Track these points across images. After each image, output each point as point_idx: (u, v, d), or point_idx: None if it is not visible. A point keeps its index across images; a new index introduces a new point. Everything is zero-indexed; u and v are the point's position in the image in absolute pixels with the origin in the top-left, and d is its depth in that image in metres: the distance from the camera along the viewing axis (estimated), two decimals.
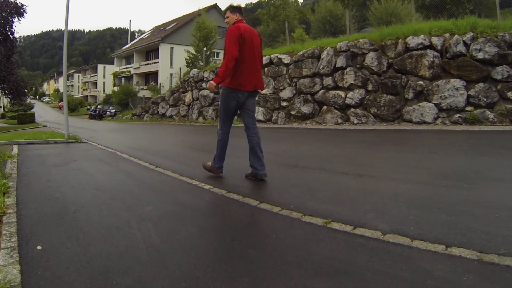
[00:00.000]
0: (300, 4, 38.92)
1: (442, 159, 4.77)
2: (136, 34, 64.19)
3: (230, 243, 2.42)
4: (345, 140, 7.40)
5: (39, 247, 2.31)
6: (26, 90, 26.31)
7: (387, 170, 4.25)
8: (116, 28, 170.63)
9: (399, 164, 4.62)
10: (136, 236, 2.50)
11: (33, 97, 79.27)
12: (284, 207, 2.99)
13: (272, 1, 32.35)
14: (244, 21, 4.08)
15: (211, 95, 15.88)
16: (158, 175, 4.69)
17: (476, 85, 8.06)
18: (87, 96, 63.36)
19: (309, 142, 7.73)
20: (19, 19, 23.52)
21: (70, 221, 2.83)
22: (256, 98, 12.45)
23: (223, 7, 35.69)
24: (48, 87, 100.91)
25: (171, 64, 34.06)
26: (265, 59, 13.01)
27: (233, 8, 4.07)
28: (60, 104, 57.21)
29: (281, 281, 1.84)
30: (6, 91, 23.55)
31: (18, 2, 23.33)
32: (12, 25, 23.26)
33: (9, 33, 23.20)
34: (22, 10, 23.39)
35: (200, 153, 6.61)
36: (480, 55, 8.08)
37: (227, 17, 4.08)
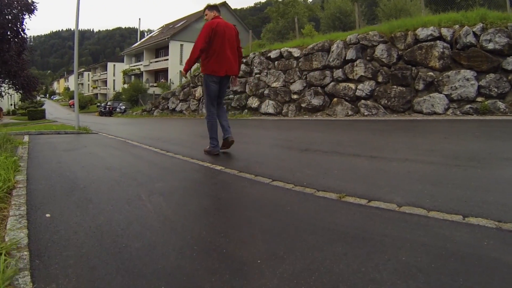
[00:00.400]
0: (309, 2, 38.73)
1: (454, 143, 4.70)
2: (145, 33, 64.47)
3: (244, 213, 2.40)
4: (356, 129, 7.31)
5: (47, 215, 2.30)
6: (37, 87, 26.50)
7: (399, 152, 4.19)
8: (125, 27, 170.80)
9: (411, 147, 4.56)
10: (146, 207, 2.47)
11: (43, 96, 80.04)
12: (297, 184, 2.95)
13: None
14: (220, 17, 4.69)
15: None
16: (169, 158, 4.67)
17: (487, 75, 7.92)
18: (97, 94, 63.86)
19: (319, 130, 7.68)
20: (29, 16, 23.64)
21: (80, 194, 2.82)
22: (267, 92, 12.62)
23: (231, 4, 35.80)
24: (58, 86, 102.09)
25: (181, 61, 34.14)
26: (275, 53, 13.04)
27: (210, 7, 4.76)
28: (70, 102, 57.73)
29: (297, 245, 1.80)
30: (17, 86, 23.72)
31: None
32: (23, 21, 23.42)
33: (20, 29, 23.36)
34: (32, 7, 23.48)
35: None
36: (490, 46, 7.94)
37: (206, 15, 4.74)
